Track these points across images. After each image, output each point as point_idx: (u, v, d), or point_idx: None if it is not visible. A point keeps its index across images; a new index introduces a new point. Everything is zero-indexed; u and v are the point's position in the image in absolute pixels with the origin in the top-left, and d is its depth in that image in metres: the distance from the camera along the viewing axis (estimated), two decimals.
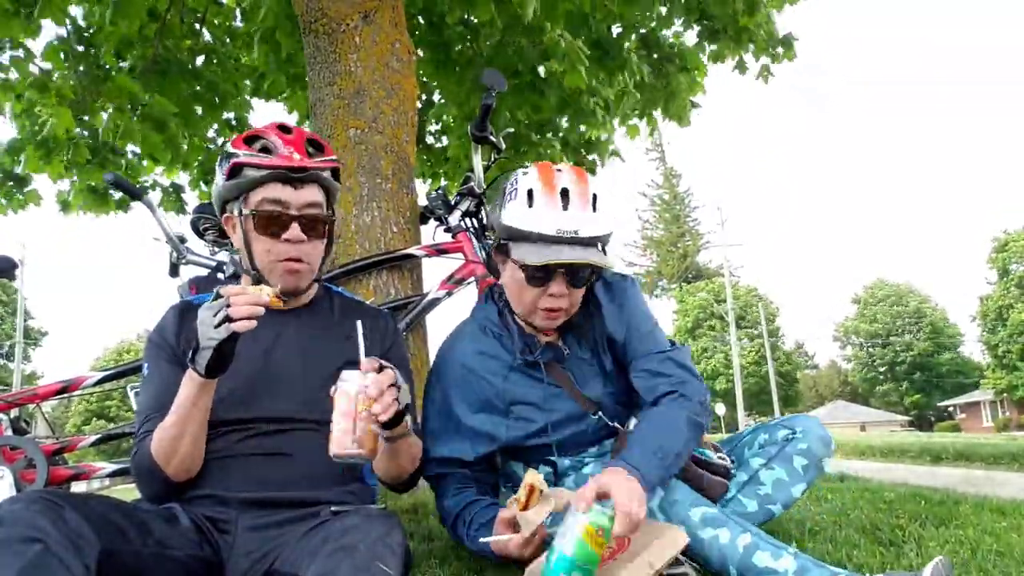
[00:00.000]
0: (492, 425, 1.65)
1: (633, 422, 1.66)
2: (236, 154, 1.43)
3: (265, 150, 1.43)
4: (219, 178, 1.46)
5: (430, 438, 1.66)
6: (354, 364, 1.25)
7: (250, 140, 1.45)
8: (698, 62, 5.12)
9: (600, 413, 1.68)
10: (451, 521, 1.63)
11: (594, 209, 1.57)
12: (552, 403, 1.66)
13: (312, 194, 1.44)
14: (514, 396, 1.66)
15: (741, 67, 5.09)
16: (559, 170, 1.60)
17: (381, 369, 1.23)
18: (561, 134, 5.35)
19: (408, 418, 1.32)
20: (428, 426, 1.69)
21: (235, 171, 1.42)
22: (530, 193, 1.56)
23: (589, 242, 1.55)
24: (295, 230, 1.41)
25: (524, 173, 1.62)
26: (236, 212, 1.44)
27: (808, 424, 1.66)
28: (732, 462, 1.69)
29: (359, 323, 1.32)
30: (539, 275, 1.57)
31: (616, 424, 1.69)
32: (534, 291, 1.59)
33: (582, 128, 5.29)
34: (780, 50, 5.03)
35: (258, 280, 1.44)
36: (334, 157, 1.51)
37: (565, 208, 1.54)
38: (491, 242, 1.72)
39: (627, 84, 4.88)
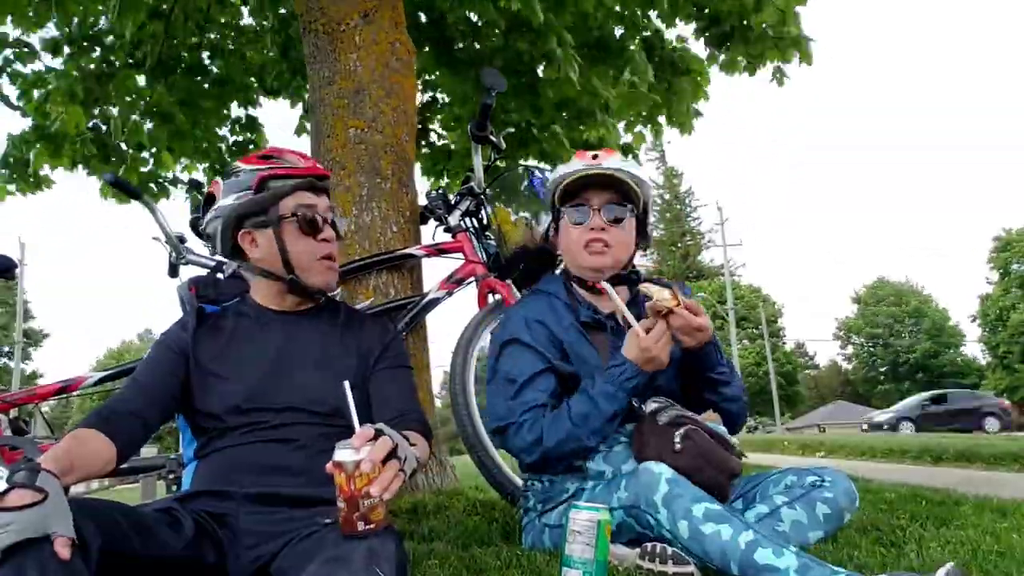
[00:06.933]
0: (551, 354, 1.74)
1: (652, 405, 1.65)
2: (260, 169, 1.53)
3: (288, 164, 1.56)
4: (237, 196, 1.51)
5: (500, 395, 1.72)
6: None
7: (267, 157, 1.57)
8: (700, 66, 5.06)
9: None
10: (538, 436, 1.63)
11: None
12: (598, 368, 1.73)
13: (328, 201, 1.58)
14: (571, 346, 1.75)
15: (751, 69, 4.87)
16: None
17: (378, 435, 1.12)
18: (561, 132, 5.33)
19: (418, 476, 1.25)
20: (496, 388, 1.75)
21: (262, 184, 1.52)
22: (566, 164, 1.85)
23: (615, 172, 1.73)
24: (329, 230, 1.55)
25: None
26: (263, 223, 1.51)
27: (837, 476, 1.66)
28: (754, 496, 1.70)
29: (346, 384, 1.25)
30: (579, 215, 1.78)
31: (640, 406, 1.68)
32: (578, 230, 1.77)
33: (581, 128, 5.24)
34: (796, 52, 4.70)
35: (293, 284, 1.52)
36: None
37: (593, 158, 1.80)
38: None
39: (632, 83, 4.82)
